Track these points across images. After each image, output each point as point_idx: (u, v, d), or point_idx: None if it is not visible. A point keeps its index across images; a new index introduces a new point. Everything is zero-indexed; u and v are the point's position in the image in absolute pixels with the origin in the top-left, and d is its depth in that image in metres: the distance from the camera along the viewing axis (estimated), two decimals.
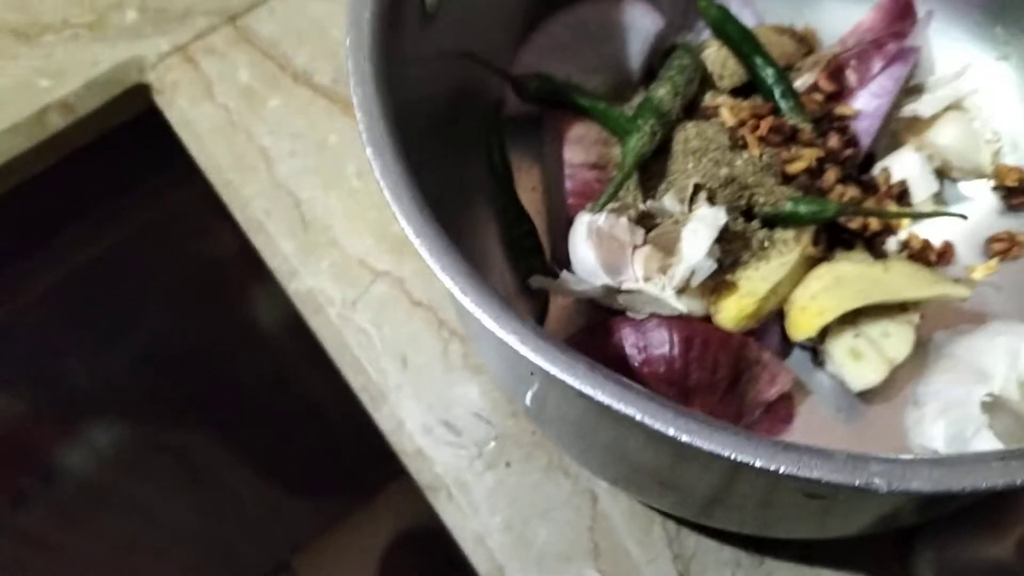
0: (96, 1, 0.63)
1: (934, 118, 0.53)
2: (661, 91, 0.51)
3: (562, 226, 0.52)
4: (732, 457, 0.29)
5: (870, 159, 0.55)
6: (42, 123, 0.59)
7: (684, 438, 0.30)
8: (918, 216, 0.51)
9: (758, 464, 0.29)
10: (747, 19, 0.58)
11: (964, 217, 0.49)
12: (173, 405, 0.93)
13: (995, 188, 0.54)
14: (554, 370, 0.31)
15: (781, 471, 0.29)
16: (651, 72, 0.56)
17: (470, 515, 0.49)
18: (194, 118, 0.59)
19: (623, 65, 0.56)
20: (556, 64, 0.56)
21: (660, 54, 0.57)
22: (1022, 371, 0.47)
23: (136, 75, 0.61)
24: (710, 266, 0.46)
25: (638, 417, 0.30)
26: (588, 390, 0.30)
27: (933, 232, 0.54)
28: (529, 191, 0.56)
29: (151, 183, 0.74)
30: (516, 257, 0.54)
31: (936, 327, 0.52)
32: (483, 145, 0.55)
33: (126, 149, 0.67)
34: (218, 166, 0.58)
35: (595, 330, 0.50)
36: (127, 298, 0.85)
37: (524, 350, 0.31)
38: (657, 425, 0.30)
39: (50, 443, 0.89)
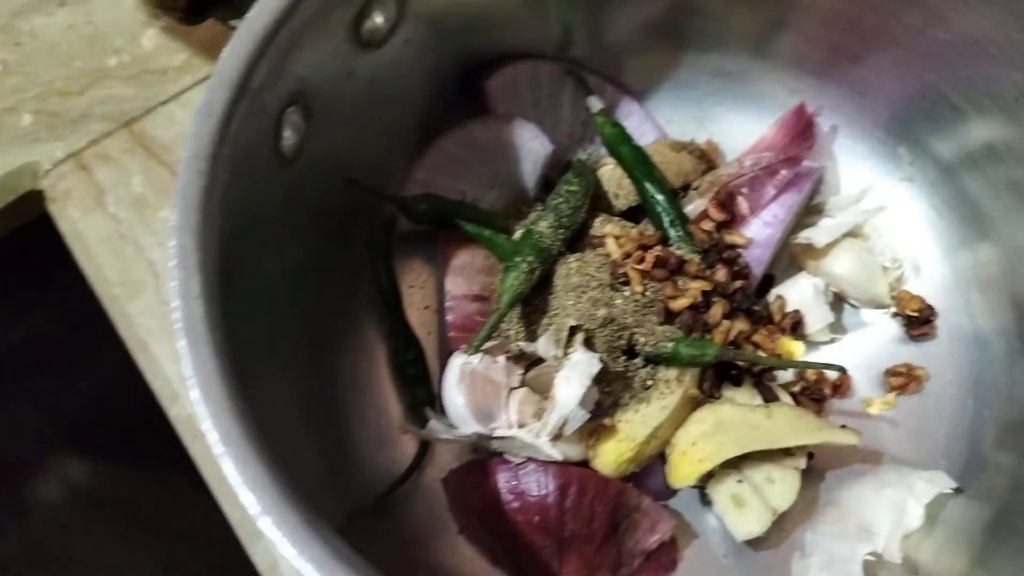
0: None
1: (832, 245, 0.51)
2: (543, 224, 0.49)
3: (447, 354, 0.51)
4: None
5: (770, 280, 0.54)
6: None
7: None
8: (796, 366, 0.49)
9: None
10: (648, 133, 0.57)
11: (843, 370, 0.47)
12: (123, 455, 0.91)
13: (895, 315, 0.53)
14: None
15: None
16: (549, 185, 0.55)
17: None
18: (84, 229, 0.58)
19: (518, 182, 0.55)
20: (451, 180, 0.54)
21: (559, 168, 0.56)
22: (907, 528, 0.45)
23: (30, 182, 0.60)
24: (582, 416, 0.45)
25: None
26: None
27: (829, 362, 0.52)
28: (422, 309, 0.55)
29: (66, 274, 0.73)
30: (402, 384, 0.53)
31: (829, 465, 0.50)
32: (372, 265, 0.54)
33: (32, 248, 0.65)
34: (105, 280, 0.57)
35: (473, 469, 0.49)
36: (63, 363, 0.84)
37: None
38: None
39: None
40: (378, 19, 0.45)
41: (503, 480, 0.47)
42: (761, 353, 0.50)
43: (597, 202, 0.54)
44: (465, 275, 0.51)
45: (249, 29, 0.39)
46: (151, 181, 0.59)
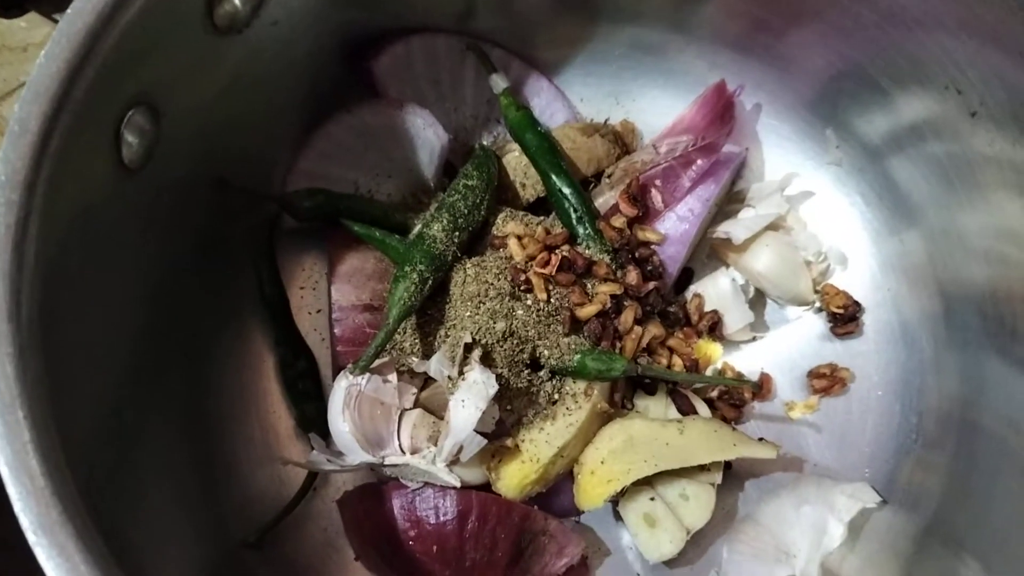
0: None
1: (752, 239, 0.47)
2: (436, 226, 0.44)
3: (341, 365, 0.47)
4: None
5: (688, 275, 0.50)
6: None
7: None
8: (709, 381, 0.46)
9: None
10: (558, 112, 0.52)
11: (758, 387, 0.44)
12: None
13: (819, 311, 0.49)
14: None
15: None
16: (452, 171, 0.50)
17: None
18: None
19: (416, 170, 0.50)
20: (341, 169, 0.49)
21: (463, 153, 0.51)
22: (827, 549, 0.43)
23: None
24: (479, 441, 0.41)
25: None
26: None
27: (750, 362, 0.49)
28: (314, 314, 0.50)
29: None
30: (291, 399, 0.48)
31: (750, 473, 0.47)
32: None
33: None
34: None
35: (368, 493, 0.45)
36: None
37: None
38: None
39: None
40: (235, 0, 0.40)
41: (398, 507, 0.43)
42: (677, 359, 0.46)
43: (502, 193, 0.50)
44: (354, 282, 0.47)
45: (69, 28, 0.33)
46: None
